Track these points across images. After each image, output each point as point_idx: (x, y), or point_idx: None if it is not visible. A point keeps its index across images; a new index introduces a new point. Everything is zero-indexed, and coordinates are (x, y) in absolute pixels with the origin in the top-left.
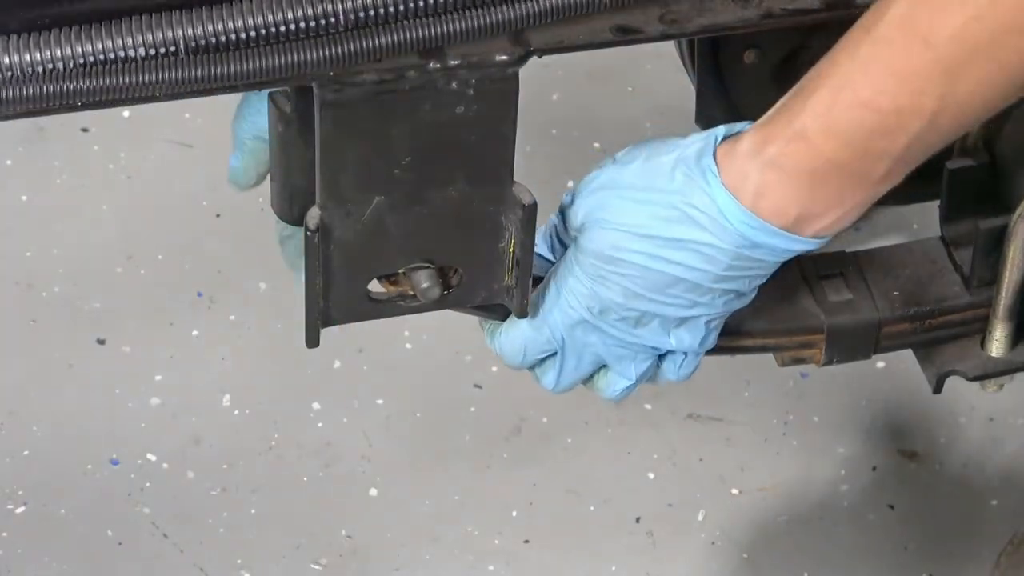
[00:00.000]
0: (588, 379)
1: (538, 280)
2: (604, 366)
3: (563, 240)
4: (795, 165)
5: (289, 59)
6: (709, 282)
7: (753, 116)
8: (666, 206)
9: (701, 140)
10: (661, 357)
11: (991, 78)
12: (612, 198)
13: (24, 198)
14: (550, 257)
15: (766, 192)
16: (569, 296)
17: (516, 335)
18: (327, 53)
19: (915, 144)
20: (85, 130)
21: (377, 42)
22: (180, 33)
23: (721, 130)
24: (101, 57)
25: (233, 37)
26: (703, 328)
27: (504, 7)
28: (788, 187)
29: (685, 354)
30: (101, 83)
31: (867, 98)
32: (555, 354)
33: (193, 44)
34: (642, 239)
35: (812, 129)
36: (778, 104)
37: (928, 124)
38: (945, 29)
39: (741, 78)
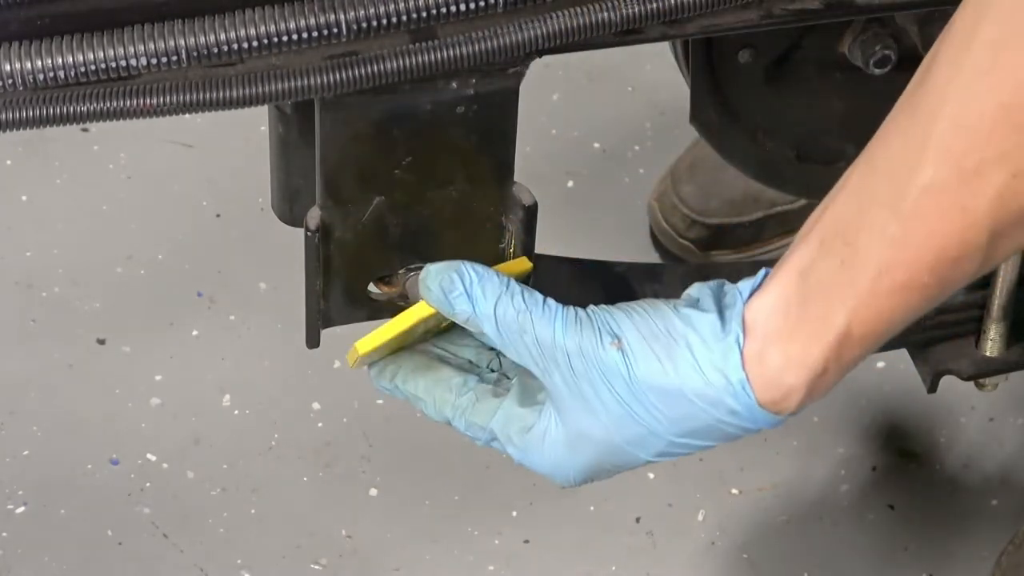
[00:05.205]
0: None
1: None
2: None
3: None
4: (841, 368)
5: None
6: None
7: (747, 115)
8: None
9: (720, 347)
10: None
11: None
12: (637, 408)
13: (24, 198)
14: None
15: (804, 398)
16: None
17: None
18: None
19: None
20: (85, 130)
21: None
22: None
23: (735, 325)
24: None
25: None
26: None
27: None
28: (829, 386)
29: None
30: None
31: (906, 280)
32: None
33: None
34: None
35: (856, 331)
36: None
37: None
38: (986, 192)
39: (735, 77)
